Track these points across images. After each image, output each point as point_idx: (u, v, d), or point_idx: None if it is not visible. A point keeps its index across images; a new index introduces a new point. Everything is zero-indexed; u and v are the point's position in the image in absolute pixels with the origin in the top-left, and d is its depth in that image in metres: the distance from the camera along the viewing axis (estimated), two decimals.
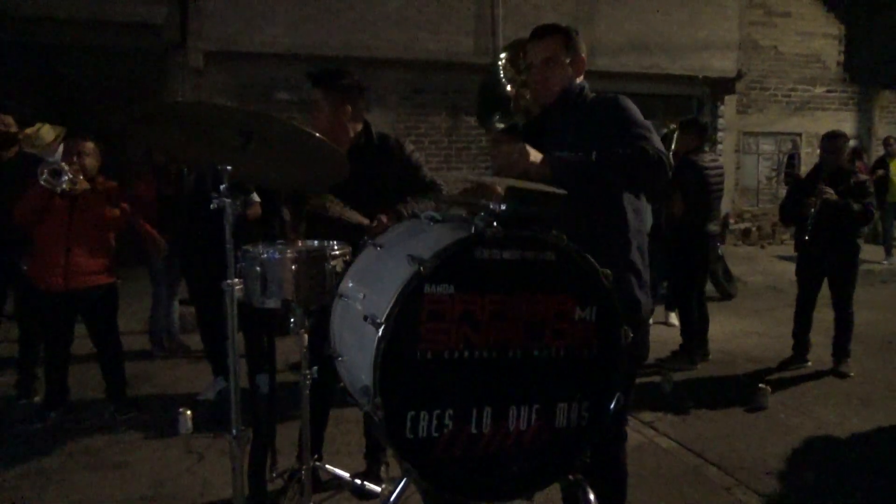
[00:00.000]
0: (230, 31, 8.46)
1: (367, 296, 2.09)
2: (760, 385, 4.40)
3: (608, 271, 1.98)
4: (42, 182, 3.70)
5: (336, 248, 2.67)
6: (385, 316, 1.79)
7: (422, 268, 1.81)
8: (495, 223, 1.98)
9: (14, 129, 4.39)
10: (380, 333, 1.77)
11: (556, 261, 1.96)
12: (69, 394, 4.20)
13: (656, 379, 4.69)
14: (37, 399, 4.31)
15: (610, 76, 8.93)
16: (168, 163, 4.70)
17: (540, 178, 2.14)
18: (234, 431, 2.17)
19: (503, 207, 2.01)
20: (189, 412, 3.87)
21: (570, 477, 2.04)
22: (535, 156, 2.14)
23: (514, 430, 1.96)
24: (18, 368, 4.47)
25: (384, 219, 2.89)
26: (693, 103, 11.02)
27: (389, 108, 9.20)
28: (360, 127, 3.09)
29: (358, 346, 1.98)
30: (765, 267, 9.72)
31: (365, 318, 1.87)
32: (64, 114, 7.02)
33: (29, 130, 5.37)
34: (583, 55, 2.42)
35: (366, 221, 2.93)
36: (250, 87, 8.78)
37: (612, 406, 2.05)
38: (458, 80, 9.37)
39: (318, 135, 2.18)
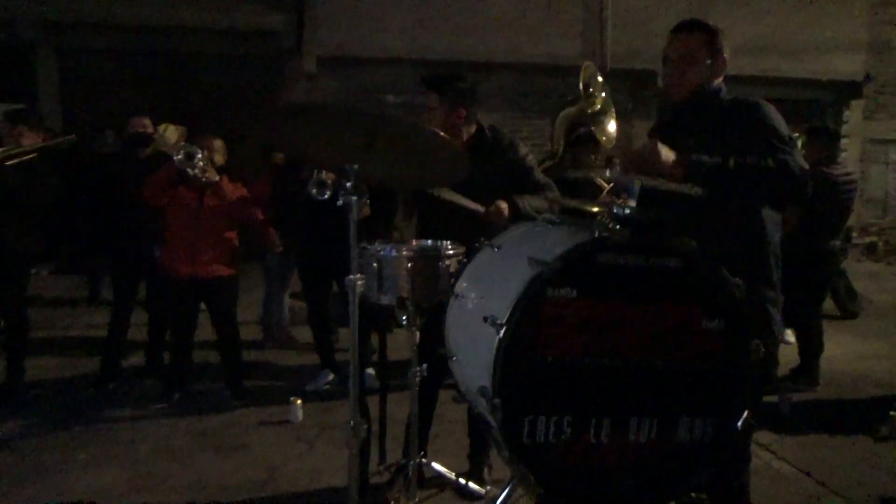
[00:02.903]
0: (343, 36, 8.75)
1: (485, 297, 2.09)
2: (892, 413, 4.05)
3: (740, 281, 1.88)
4: (176, 161, 3.95)
5: (450, 248, 2.70)
6: (506, 318, 1.78)
7: (544, 270, 1.79)
8: (619, 227, 1.93)
9: (150, 129, 4.75)
10: (500, 335, 1.77)
11: (683, 268, 1.89)
12: (191, 377, 4.47)
13: (773, 399, 4.43)
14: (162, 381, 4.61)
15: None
16: (287, 163, 4.92)
17: (672, 178, 2.07)
18: (350, 423, 2.23)
19: (627, 211, 1.96)
20: (300, 402, 4.02)
21: (692, 496, 1.95)
22: (668, 154, 2.07)
23: (633, 443, 1.90)
24: (147, 351, 4.80)
25: (502, 205, 2.87)
26: (815, 109, 10.35)
27: (493, 111, 9.20)
28: (473, 129, 3.10)
29: (475, 346, 1.99)
30: (892, 285, 8.97)
31: (484, 319, 1.87)
32: (188, 117, 7.49)
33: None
34: (725, 56, 2.33)
35: (481, 208, 2.92)
36: (360, 91, 9.03)
37: (739, 424, 1.94)
38: (563, 84, 9.24)
39: (441, 133, 2.21)
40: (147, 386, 4.62)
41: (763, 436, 3.91)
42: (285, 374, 4.99)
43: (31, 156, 4.23)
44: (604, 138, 4.75)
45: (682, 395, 1.91)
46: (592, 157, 4.97)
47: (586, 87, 4.73)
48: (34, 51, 8.56)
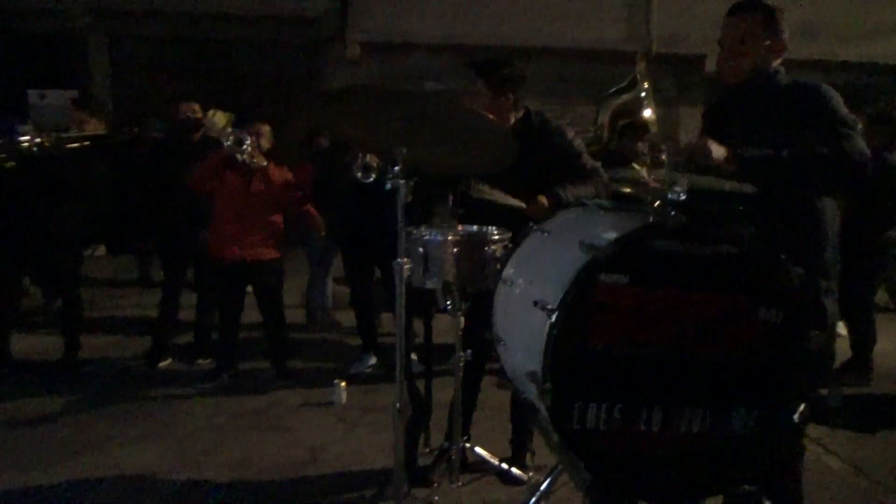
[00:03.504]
0: (384, 23, 8.78)
1: (535, 282, 2.08)
2: None
3: (800, 270, 1.83)
4: (226, 147, 4.03)
5: (496, 233, 2.69)
6: (558, 303, 1.77)
7: (597, 256, 1.77)
8: (674, 213, 1.89)
9: (199, 114, 4.84)
10: (552, 320, 1.75)
11: (739, 256, 1.84)
12: (238, 358, 4.57)
13: (823, 392, 4.31)
14: (210, 361, 4.72)
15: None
16: (330, 147, 4.96)
17: (725, 174, 2.03)
18: (397, 405, 2.24)
19: (683, 196, 1.92)
20: (343, 384, 4.08)
21: (745, 489, 1.91)
22: (719, 151, 2.02)
23: (685, 433, 1.86)
24: (195, 331, 4.93)
25: (543, 200, 2.85)
26: (871, 94, 9.98)
27: (534, 98, 9.11)
28: (520, 114, 3.08)
29: (525, 331, 1.98)
30: None
31: (534, 304, 1.86)
32: (232, 103, 7.59)
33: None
34: (784, 37, 2.25)
35: (520, 204, 2.90)
36: (401, 77, 9.05)
37: (794, 417, 1.90)
38: (605, 70, 9.10)
39: (490, 116, 2.20)
40: (195, 365, 4.73)
41: (813, 430, 3.81)
42: (328, 357, 5.05)
43: (88, 142, 4.35)
44: (650, 125, 4.71)
45: (737, 386, 1.87)
46: (640, 144, 4.92)
47: (640, 79, 4.67)
48: (86, 38, 8.79)
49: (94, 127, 4.46)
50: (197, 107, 4.78)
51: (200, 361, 4.75)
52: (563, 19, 8.90)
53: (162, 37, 8.97)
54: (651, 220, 1.91)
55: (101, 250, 8.23)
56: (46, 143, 4.15)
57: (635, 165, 4.57)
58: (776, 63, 2.26)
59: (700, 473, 1.89)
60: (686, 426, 1.86)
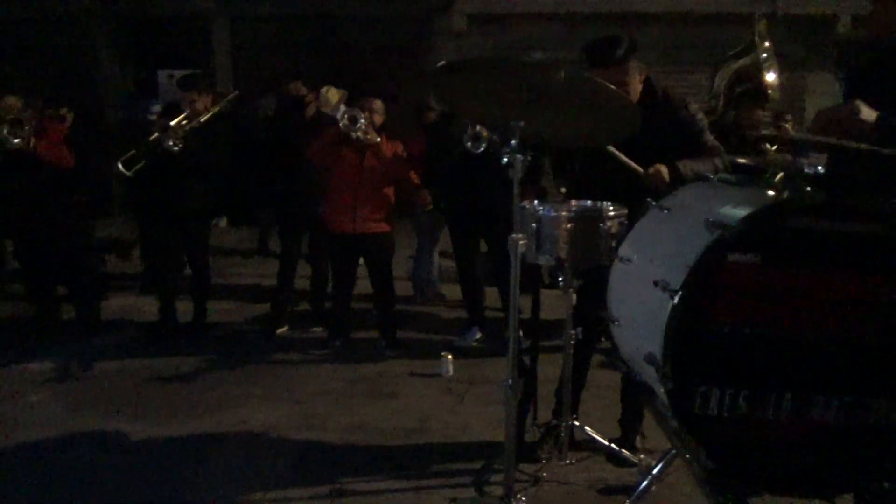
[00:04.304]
0: None
1: (654, 261, 2.00)
2: None
3: None
4: (341, 126, 4.16)
5: (611, 208, 2.61)
6: (681, 283, 1.69)
7: (725, 234, 1.68)
8: (810, 188, 1.76)
9: (304, 91, 4.99)
10: (675, 301, 1.69)
11: (884, 235, 1.69)
12: (350, 326, 4.75)
13: None
14: (323, 329, 4.93)
15: None
16: (439, 120, 4.99)
17: (869, 140, 1.85)
18: (509, 381, 2.25)
19: (820, 169, 1.78)
20: (450, 356, 4.15)
21: (885, 485, 1.78)
22: (869, 114, 1.85)
23: (817, 422, 1.75)
24: (310, 302, 5.16)
25: (662, 169, 2.72)
26: None
27: (648, 66, 8.73)
28: (639, 87, 2.94)
29: (643, 312, 1.92)
30: None
31: (655, 284, 1.79)
32: (344, 78, 7.78)
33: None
34: None
35: (640, 169, 2.79)
36: (506, 48, 8.93)
37: None
38: (724, 34, 8.54)
39: (611, 86, 2.12)
40: (310, 332, 4.96)
41: None
42: (435, 329, 5.15)
43: (206, 116, 4.62)
44: (770, 91, 4.35)
45: (877, 374, 1.73)
46: (760, 112, 4.57)
47: (759, 42, 4.33)
48: (210, 20, 9.27)
49: (204, 104, 4.71)
50: (299, 84, 4.94)
51: (315, 329, 4.97)
52: None
53: (278, 16, 9.31)
54: (785, 195, 1.79)
55: (224, 222, 8.75)
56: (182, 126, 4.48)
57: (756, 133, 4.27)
58: None
59: (833, 467, 1.77)
60: (819, 415, 1.75)
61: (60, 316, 5.03)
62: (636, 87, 2.83)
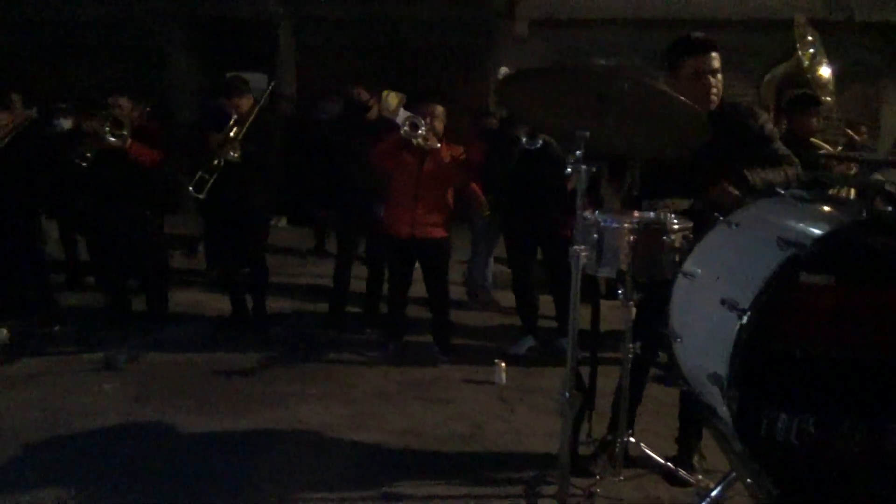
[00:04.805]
0: None
1: (722, 278, 1.95)
2: None
3: None
4: (402, 133, 4.21)
5: (676, 221, 2.55)
6: (750, 303, 1.64)
7: (799, 253, 1.62)
8: (891, 207, 1.68)
9: (366, 97, 5.08)
10: (743, 321, 1.64)
11: None
12: (405, 330, 4.79)
13: None
14: (377, 331, 4.98)
15: None
16: (501, 126, 4.97)
17: None
18: (566, 394, 2.22)
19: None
20: (503, 364, 4.13)
21: None
22: None
23: (891, 452, 1.67)
24: (366, 303, 5.22)
25: (727, 186, 2.65)
26: None
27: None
28: None
29: (708, 330, 1.87)
30: None
31: (722, 303, 1.75)
32: (405, 82, 7.86)
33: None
34: None
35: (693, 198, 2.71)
36: (569, 53, 8.85)
37: None
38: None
39: (680, 97, 2.07)
40: (364, 334, 5.02)
41: None
42: (488, 336, 5.14)
43: (252, 117, 4.77)
44: (823, 90, 4.09)
45: None
46: (814, 120, 4.32)
47: (799, 40, 4.11)
48: (277, 24, 9.51)
49: (249, 105, 4.84)
50: (362, 90, 5.02)
51: (369, 331, 5.03)
52: None
53: (343, 19, 9.47)
54: (865, 214, 1.71)
55: (283, 222, 8.95)
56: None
57: (815, 141, 4.04)
58: None
59: None
60: (892, 444, 1.67)
61: (131, 307, 5.24)
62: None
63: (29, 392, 3.90)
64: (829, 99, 4.14)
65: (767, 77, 4.28)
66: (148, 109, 5.29)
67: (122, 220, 4.96)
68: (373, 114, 5.00)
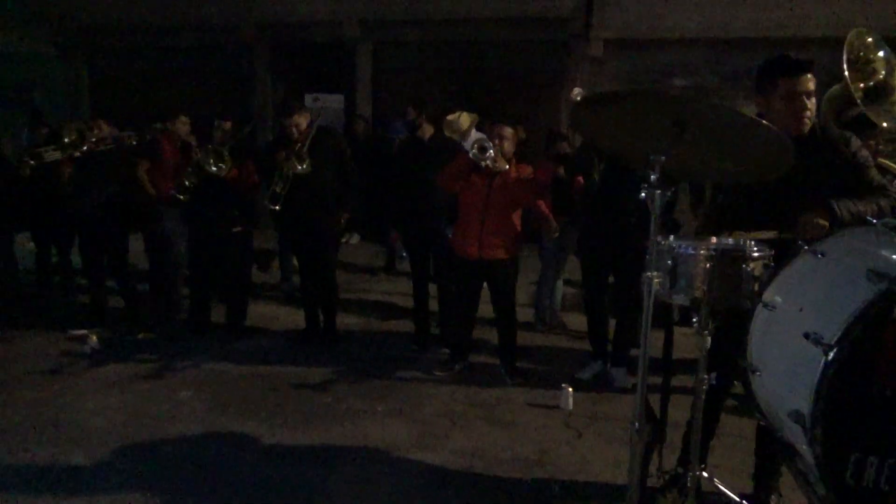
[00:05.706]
0: (631, 17, 8.50)
1: (806, 310, 1.86)
2: None
3: None
4: (470, 155, 4.24)
5: (756, 248, 2.44)
6: (837, 338, 1.56)
7: (893, 287, 1.52)
8: None
9: (412, 115, 5.22)
10: (829, 357, 1.55)
11: None
12: (471, 350, 4.78)
13: None
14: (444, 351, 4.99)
15: None
16: (579, 151, 4.92)
17: None
18: (636, 424, 2.16)
19: None
20: (570, 389, 4.05)
21: None
22: None
23: None
24: (439, 323, 5.23)
25: (816, 218, 2.52)
26: None
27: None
28: None
29: (790, 365, 1.78)
30: None
31: (806, 336, 1.66)
32: (479, 104, 7.93)
33: (451, 117, 6.20)
34: None
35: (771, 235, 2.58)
36: (645, 73, 8.71)
37: None
38: None
39: (763, 122, 2.00)
40: (439, 354, 5.01)
41: None
42: (555, 359, 5.06)
43: (312, 133, 4.93)
44: (884, 124, 3.80)
45: None
46: (872, 143, 4.03)
47: (853, 60, 3.83)
48: (354, 47, 9.80)
49: (306, 121, 5.00)
50: (410, 108, 5.24)
51: (444, 351, 5.03)
52: (842, 1, 7.80)
53: (417, 42, 9.66)
54: None
55: (355, 239, 9.13)
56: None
57: (884, 162, 3.75)
58: None
59: None
60: None
61: (210, 319, 5.46)
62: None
63: (115, 396, 4.12)
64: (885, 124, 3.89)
65: (824, 99, 4.06)
66: (248, 131, 5.58)
67: (220, 239, 5.23)
68: (422, 133, 5.05)
